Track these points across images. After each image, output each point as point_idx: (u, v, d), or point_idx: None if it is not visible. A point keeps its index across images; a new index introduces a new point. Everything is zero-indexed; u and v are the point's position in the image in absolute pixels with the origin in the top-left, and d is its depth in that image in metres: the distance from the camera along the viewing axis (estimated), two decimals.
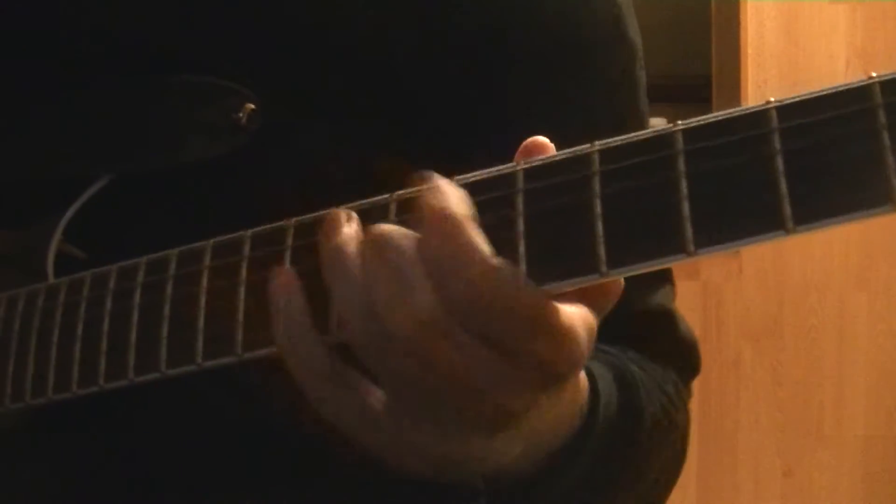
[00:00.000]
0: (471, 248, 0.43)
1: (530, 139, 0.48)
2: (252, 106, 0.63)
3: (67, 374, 0.57)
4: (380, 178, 0.51)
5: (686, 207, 0.42)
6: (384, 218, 0.49)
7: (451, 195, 0.44)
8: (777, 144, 0.41)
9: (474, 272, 0.43)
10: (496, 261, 0.43)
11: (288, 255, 0.51)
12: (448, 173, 0.48)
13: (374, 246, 0.45)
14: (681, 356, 0.73)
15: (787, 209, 0.40)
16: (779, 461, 2.44)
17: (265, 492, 0.66)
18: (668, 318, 0.72)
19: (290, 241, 0.51)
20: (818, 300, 2.46)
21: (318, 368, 0.48)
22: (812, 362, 2.45)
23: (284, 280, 0.48)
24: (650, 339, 0.69)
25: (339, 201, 0.50)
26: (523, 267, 0.45)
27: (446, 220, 0.43)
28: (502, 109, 0.68)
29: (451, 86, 0.67)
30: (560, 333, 0.44)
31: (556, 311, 0.44)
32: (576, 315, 0.45)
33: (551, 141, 0.48)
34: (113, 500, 0.66)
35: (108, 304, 0.57)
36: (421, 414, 0.47)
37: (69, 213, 0.64)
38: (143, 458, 0.66)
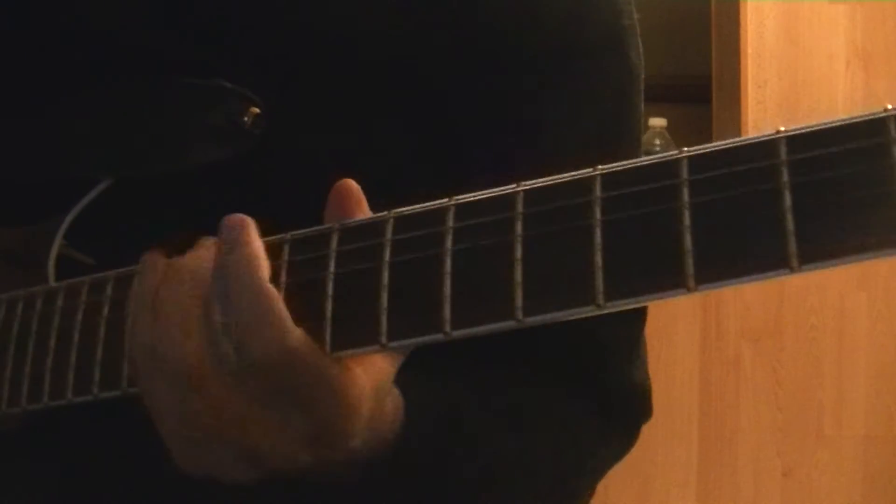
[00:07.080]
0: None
1: (341, 183, 0.50)
2: (256, 109, 0.63)
3: (63, 381, 0.57)
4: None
5: (688, 241, 0.40)
6: (381, 236, 0.48)
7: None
8: (785, 178, 0.39)
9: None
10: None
11: None
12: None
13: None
14: (622, 402, 0.70)
15: (793, 247, 0.38)
16: (779, 461, 2.43)
17: (264, 494, 0.66)
18: (618, 356, 0.69)
19: None
20: (818, 300, 2.45)
21: None
22: (812, 362, 2.45)
23: None
24: (587, 380, 0.67)
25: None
26: (520, 295, 0.43)
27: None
28: (506, 111, 0.68)
29: (455, 87, 0.67)
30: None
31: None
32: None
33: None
34: (114, 500, 0.66)
35: (105, 312, 0.57)
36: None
37: (70, 216, 0.64)
38: (143, 458, 0.66)
